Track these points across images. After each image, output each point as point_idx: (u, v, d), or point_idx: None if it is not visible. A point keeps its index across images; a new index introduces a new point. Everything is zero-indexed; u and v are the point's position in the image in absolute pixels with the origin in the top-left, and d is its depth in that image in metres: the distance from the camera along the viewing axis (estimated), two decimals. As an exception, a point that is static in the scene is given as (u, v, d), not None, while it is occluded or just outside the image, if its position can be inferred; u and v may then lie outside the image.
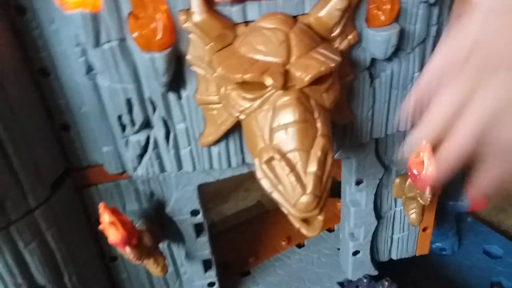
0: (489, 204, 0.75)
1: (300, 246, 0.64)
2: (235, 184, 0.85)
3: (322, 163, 0.32)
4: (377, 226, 0.54)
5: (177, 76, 0.37)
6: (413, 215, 0.49)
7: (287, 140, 0.32)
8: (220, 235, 0.66)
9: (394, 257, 0.58)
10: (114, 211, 0.41)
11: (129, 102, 0.38)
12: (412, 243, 0.57)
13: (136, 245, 0.43)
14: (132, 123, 0.39)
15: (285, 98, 0.32)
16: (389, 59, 0.40)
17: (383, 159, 0.49)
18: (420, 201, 0.46)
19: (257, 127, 0.33)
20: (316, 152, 0.32)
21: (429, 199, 0.45)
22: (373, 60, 0.40)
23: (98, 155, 0.43)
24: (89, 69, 0.37)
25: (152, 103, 0.39)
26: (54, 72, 0.38)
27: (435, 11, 0.40)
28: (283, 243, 0.63)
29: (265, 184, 0.33)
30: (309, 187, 0.31)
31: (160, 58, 0.34)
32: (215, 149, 0.41)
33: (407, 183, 0.48)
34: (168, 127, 0.40)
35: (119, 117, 0.39)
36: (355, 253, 0.55)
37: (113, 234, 0.40)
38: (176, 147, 0.41)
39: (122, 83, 0.37)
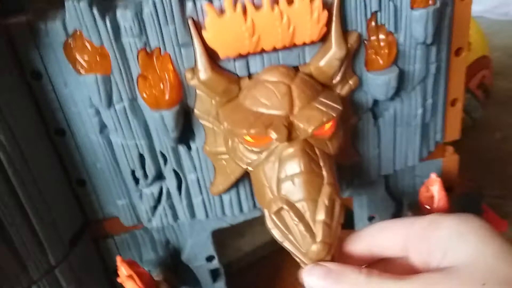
0: (510, 226, 0.74)
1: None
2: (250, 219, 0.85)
3: (330, 211, 0.33)
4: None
5: (186, 129, 0.38)
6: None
7: (295, 190, 0.33)
8: (237, 274, 0.66)
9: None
10: (131, 264, 0.42)
11: (141, 157, 0.40)
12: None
13: (154, 297, 0.43)
14: (145, 176, 0.41)
15: (290, 150, 0.33)
16: (391, 98, 0.41)
17: (394, 194, 0.50)
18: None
19: (265, 178, 0.34)
20: (324, 200, 0.33)
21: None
22: (375, 101, 0.41)
23: (113, 207, 0.44)
24: (103, 127, 0.39)
25: (164, 156, 0.40)
26: (70, 131, 0.40)
27: (433, 49, 0.41)
28: (301, 281, 0.63)
29: (275, 234, 0.34)
30: (319, 236, 0.32)
31: (169, 115, 0.36)
32: (226, 197, 0.42)
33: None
34: (179, 178, 0.41)
35: (133, 172, 0.40)
36: None
37: (132, 287, 0.41)
38: (189, 197, 0.42)
39: (134, 140, 0.39)
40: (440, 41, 0.41)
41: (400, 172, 0.49)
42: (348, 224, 0.78)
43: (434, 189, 0.44)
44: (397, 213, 0.51)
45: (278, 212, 0.33)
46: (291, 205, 0.33)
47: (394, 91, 0.39)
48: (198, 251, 0.47)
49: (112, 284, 0.48)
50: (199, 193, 0.42)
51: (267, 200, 0.34)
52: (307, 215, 0.32)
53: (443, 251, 0.30)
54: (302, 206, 0.33)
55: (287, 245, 0.33)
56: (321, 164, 0.34)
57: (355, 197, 0.50)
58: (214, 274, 0.50)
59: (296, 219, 0.32)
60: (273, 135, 0.32)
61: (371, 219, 0.50)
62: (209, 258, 0.48)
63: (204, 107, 0.37)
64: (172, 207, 0.43)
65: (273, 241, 0.75)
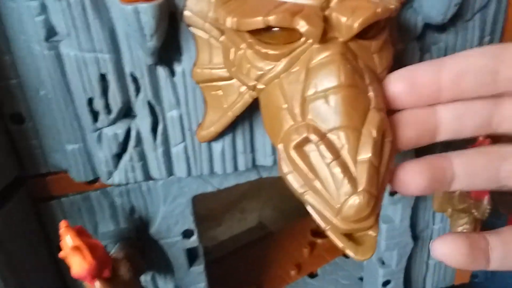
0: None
1: (312, 275, 0.53)
2: (228, 205, 0.74)
3: (378, 148, 0.22)
4: (412, 250, 0.44)
5: (169, 42, 0.27)
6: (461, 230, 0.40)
7: (328, 113, 0.22)
8: (214, 263, 0.55)
9: (429, 287, 0.48)
10: (80, 232, 0.30)
11: (103, 79, 0.28)
12: (451, 269, 0.47)
13: (109, 278, 0.32)
14: (107, 109, 0.29)
15: (325, 54, 0.22)
16: (444, 29, 0.31)
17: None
18: (475, 214, 0.37)
19: (283, 97, 0.23)
20: (371, 131, 0.22)
21: (487, 211, 0.36)
22: (425, 28, 0.31)
23: (61, 156, 0.32)
24: (50, 32, 0.27)
25: (135, 81, 0.29)
26: (4, 37, 0.28)
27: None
28: (292, 272, 0.53)
29: (293, 181, 0.23)
30: (362, 183, 0.21)
31: (147, 11, 0.24)
32: (217, 146, 0.31)
33: (457, 193, 0.38)
34: (155, 116, 0.30)
35: (90, 101, 0.29)
36: (386, 283, 0.45)
37: (78, 263, 0.29)
38: (166, 144, 0.31)
39: (94, 52, 0.27)
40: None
41: (429, 146, 0.39)
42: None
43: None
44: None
45: (300, 146, 0.22)
46: (322, 135, 0.22)
47: (454, 12, 0.29)
48: (172, 222, 0.36)
49: (55, 263, 0.36)
50: (181, 138, 0.31)
51: (285, 129, 0.23)
52: (345, 152, 0.22)
53: None
54: (338, 137, 0.22)
55: (309, 198, 0.22)
56: (367, 81, 0.23)
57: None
58: (191, 256, 0.38)
59: (328, 155, 0.21)
60: (303, 25, 0.21)
61: (393, 194, 0.40)
62: (187, 233, 0.37)
63: (198, 6, 0.26)
64: (142, 156, 0.31)
65: (258, 227, 0.66)
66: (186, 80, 0.29)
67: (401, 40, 0.30)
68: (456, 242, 0.22)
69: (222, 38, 0.26)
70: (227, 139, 0.31)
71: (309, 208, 0.23)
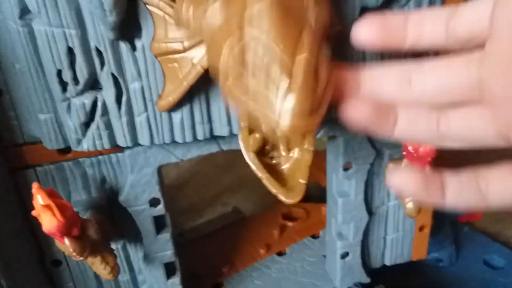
0: (485, 214, 0.70)
1: (281, 254, 0.56)
2: (210, 199, 0.77)
3: (315, 51, 0.23)
4: (368, 225, 0.47)
5: (129, 19, 0.31)
6: (409, 204, 0.42)
7: (265, 23, 0.23)
8: (190, 244, 0.58)
9: (387, 262, 0.51)
10: (50, 194, 0.33)
11: (71, 52, 0.31)
12: (408, 245, 0.50)
13: (78, 237, 0.35)
14: (75, 81, 0.32)
15: None
16: (382, 7, 0.35)
17: (373, 140, 0.43)
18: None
19: (223, 21, 0.25)
20: (307, 35, 0.23)
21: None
22: (363, 12, 0.34)
23: (35, 126, 0.35)
24: (24, 10, 0.30)
25: (100, 54, 0.32)
26: (-19, 19, 0.31)
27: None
28: (262, 251, 0.56)
29: (235, 91, 0.23)
30: (299, 76, 0.21)
31: (106, -12, 0.28)
32: (176, 116, 0.34)
33: (402, 165, 0.41)
34: (119, 87, 0.33)
35: (59, 73, 0.32)
36: (344, 255, 0.48)
37: (48, 220, 0.32)
38: (130, 113, 0.34)
39: (62, 27, 0.30)
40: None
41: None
42: (320, 199, 0.71)
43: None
44: (376, 165, 0.44)
45: (239, 54, 0.23)
46: (260, 41, 0.23)
47: (386, -5, 0.33)
48: (139, 191, 0.39)
49: (31, 231, 0.39)
50: (144, 108, 0.34)
51: (226, 44, 0.24)
52: (282, 54, 0.22)
53: None
54: (275, 42, 0.22)
55: (253, 104, 0.22)
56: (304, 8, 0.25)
57: (329, 142, 0.43)
58: (159, 223, 0.41)
59: (267, 54, 0.22)
60: None
61: (346, 169, 0.43)
62: (153, 202, 0.40)
63: (153, -15, 0.29)
64: (108, 125, 0.34)
65: (233, 212, 0.68)
66: (146, 54, 0.32)
67: (340, 22, 0.34)
68: (411, 173, 0.22)
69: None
70: (185, 109, 0.34)
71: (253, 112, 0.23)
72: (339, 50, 0.35)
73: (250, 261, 0.55)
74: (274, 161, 0.29)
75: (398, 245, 0.50)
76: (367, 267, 0.50)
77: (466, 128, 0.22)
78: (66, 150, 0.37)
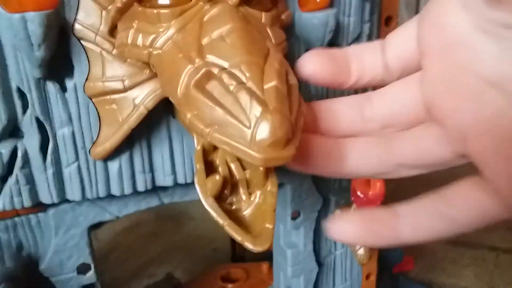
0: (416, 263, 0.72)
1: (223, 319, 0.51)
2: (135, 270, 0.70)
3: (284, 79, 0.21)
4: (317, 277, 0.45)
5: (59, 56, 0.27)
6: (360, 250, 0.41)
7: (227, 49, 0.21)
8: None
9: None
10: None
11: (-14, 93, 0.27)
12: (357, 296, 0.49)
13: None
14: (-9, 127, 0.28)
15: (217, 7, 0.23)
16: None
17: (320, 189, 0.42)
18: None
19: (179, 50, 0.23)
20: (273, 64, 0.21)
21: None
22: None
23: None
24: None
25: (23, 95, 0.28)
26: None
27: (367, 7, 0.36)
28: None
29: (197, 122, 0.20)
30: (272, 103, 0.19)
31: (34, 19, 0.24)
32: (113, 165, 0.31)
33: (351, 210, 0.40)
34: (45, 134, 0.29)
35: (-29, 118, 0.27)
36: (295, 312, 0.44)
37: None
38: (57, 164, 0.30)
39: (-23, 65, 0.26)
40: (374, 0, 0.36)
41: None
42: (258, 258, 0.68)
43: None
44: (324, 211, 0.43)
45: (201, 84, 0.21)
46: (223, 69, 0.21)
47: (330, 37, 0.33)
48: (65, 256, 0.33)
49: None
50: (74, 157, 0.30)
51: (184, 73, 0.22)
52: (250, 82, 0.20)
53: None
54: (241, 70, 0.20)
55: (218, 135, 0.20)
56: (263, 35, 0.24)
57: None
58: (88, 293, 0.35)
59: (233, 82, 0.20)
60: None
61: (294, 218, 0.41)
62: (82, 268, 0.34)
63: (90, 20, 0.27)
64: (30, 179, 0.29)
65: (167, 280, 0.62)
66: (78, 95, 0.28)
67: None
68: (353, 218, 0.20)
69: (115, 51, 0.27)
70: (124, 157, 0.30)
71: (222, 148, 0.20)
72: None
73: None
74: (234, 207, 0.26)
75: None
76: (318, 323, 0.47)
77: (421, 152, 0.21)
78: (-26, 212, 0.31)
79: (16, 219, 0.32)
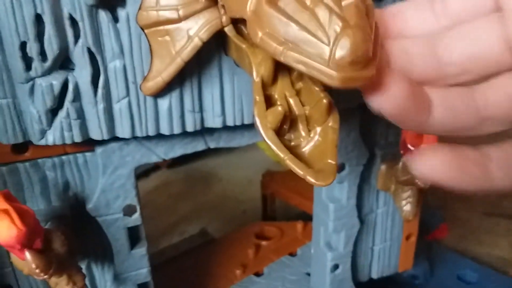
0: (449, 232, 0.70)
1: (258, 274, 0.51)
2: (165, 228, 0.71)
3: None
4: (357, 234, 0.44)
5: (113, -17, 0.26)
6: (407, 206, 0.40)
7: None
8: (155, 269, 0.51)
9: (374, 275, 0.48)
10: (7, 197, 0.27)
11: (38, 20, 0.26)
12: (395, 256, 0.48)
13: (41, 250, 0.28)
14: (43, 56, 0.27)
15: None
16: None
17: (367, 142, 0.40)
18: (419, 183, 0.37)
19: None
20: None
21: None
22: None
23: (-15, 116, 0.29)
24: (-22, -32, 0.25)
25: (74, 23, 0.27)
26: None
27: None
28: (238, 272, 0.50)
29: (269, 41, 0.19)
30: (353, 18, 0.18)
31: None
32: (164, 102, 0.30)
33: (400, 164, 0.39)
34: (96, 66, 0.28)
35: (23, 46, 0.26)
36: (334, 267, 0.44)
37: (6, 228, 0.26)
38: (108, 98, 0.29)
39: (30, -11, 0.25)
40: None
41: (373, 117, 0.40)
42: (289, 219, 0.67)
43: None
44: (369, 165, 0.41)
45: (273, 2, 0.19)
46: None
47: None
48: (112, 196, 0.33)
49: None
50: (125, 92, 0.29)
51: None
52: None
53: None
54: None
55: (294, 52, 0.18)
56: None
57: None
58: (133, 236, 0.35)
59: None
60: None
61: (339, 171, 0.40)
62: (128, 210, 0.34)
63: None
64: (81, 113, 0.29)
65: (200, 234, 0.63)
66: (130, 26, 0.27)
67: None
68: (444, 151, 0.18)
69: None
70: (175, 95, 0.30)
71: (297, 67, 0.19)
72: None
73: (226, 283, 0.49)
74: (292, 143, 0.25)
75: (385, 256, 0.47)
76: (356, 281, 0.47)
77: (510, 103, 0.19)
78: (22, 148, 0.31)
79: (64, 157, 0.32)
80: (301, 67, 0.18)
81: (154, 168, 0.83)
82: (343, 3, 0.18)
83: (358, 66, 0.17)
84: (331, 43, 0.17)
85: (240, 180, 0.82)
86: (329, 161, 0.23)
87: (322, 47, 0.18)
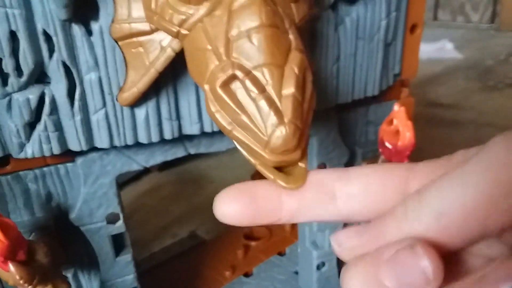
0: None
1: (248, 275, 0.51)
2: (158, 230, 0.71)
3: (301, 84, 0.23)
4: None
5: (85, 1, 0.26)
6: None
7: (252, 51, 0.23)
8: (145, 274, 0.52)
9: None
10: (-12, 210, 0.27)
11: (13, 37, 0.26)
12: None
13: (24, 262, 0.29)
14: (18, 71, 0.27)
15: None
16: (353, 1, 0.34)
17: (346, 141, 0.41)
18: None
19: (207, 40, 0.24)
20: (293, 68, 0.23)
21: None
22: (337, 1, 0.33)
23: (-36, 131, 0.29)
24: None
25: (48, 39, 0.27)
26: None
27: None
28: (227, 273, 0.51)
29: (221, 119, 0.22)
30: (288, 114, 0.21)
31: (59, -44, 0.24)
32: (141, 112, 0.30)
33: (379, 161, 0.39)
34: (72, 79, 0.28)
35: (-2, 62, 0.27)
36: (320, 266, 0.44)
37: (-13, 241, 0.26)
38: (85, 110, 0.29)
39: (4, 7, 0.26)
40: None
41: (352, 116, 0.41)
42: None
43: (398, 121, 0.37)
44: (350, 164, 0.42)
45: (226, 84, 0.22)
46: (247, 72, 0.22)
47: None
48: (95, 205, 0.34)
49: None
50: (102, 103, 0.29)
51: (211, 69, 0.23)
52: (270, 87, 0.22)
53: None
54: (263, 73, 0.22)
55: (237, 134, 0.22)
56: (287, 26, 0.24)
57: (301, 143, 0.40)
58: (118, 243, 0.36)
59: (254, 90, 0.22)
60: None
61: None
62: (111, 218, 0.35)
63: (114, -44, 0.26)
64: (58, 125, 0.29)
65: (190, 237, 0.63)
66: (104, 38, 0.28)
67: (316, 5, 0.32)
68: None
69: (141, -7, 0.26)
70: (151, 104, 0.30)
71: (238, 146, 0.23)
72: (314, 43, 0.33)
73: (216, 285, 0.50)
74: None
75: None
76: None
77: None
78: (3, 161, 0.31)
79: (45, 169, 0.33)
80: (242, 146, 0.22)
81: (145, 171, 0.84)
82: (283, 92, 0.22)
83: (288, 152, 0.21)
84: (268, 135, 0.21)
85: (232, 181, 0.82)
86: (299, 164, 0.24)
87: (261, 137, 0.21)
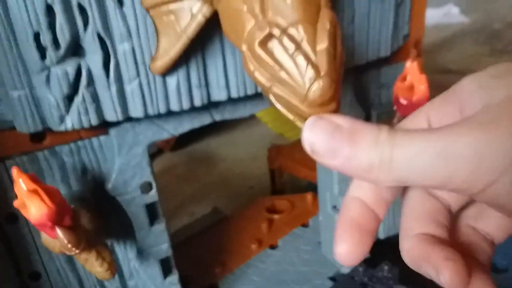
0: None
1: (273, 247, 0.53)
2: (174, 209, 0.73)
3: (333, 40, 0.24)
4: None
5: (116, -30, 0.28)
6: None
7: (286, 10, 0.24)
8: (173, 249, 0.54)
9: (381, 235, 0.50)
10: (33, 178, 0.29)
11: (49, 11, 0.28)
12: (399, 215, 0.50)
13: (71, 227, 0.30)
14: (56, 44, 0.28)
15: None
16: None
17: (361, 103, 0.43)
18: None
19: (242, 0, 0.25)
20: (325, 24, 0.24)
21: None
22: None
23: (6, 106, 0.30)
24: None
25: (83, 11, 0.28)
26: None
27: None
28: (253, 246, 0.52)
29: (260, 77, 0.24)
30: (324, 68, 0.22)
31: None
32: (172, 80, 0.31)
33: (395, 120, 0.41)
34: (106, 50, 0.30)
35: (36, 36, 0.28)
36: (343, 230, 0.46)
37: (37, 206, 0.27)
38: (120, 81, 0.31)
39: (39, -19, 0.27)
40: None
41: (365, 79, 0.42)
42: (297, 191, 0.69)
43: (412, 76, 0.38)
44: (367, 128, 0.43)
45: (264, 43, 0.23)
46: (283, 30, 0.23)
47: None
48: (129, 175, 0.35)
49: (4, 238, 0.34)
50: (135, 73, 0.30)
51: (248, 29, 0.24)
52: (305, 43, 0.23)
53: (474, 103, 0.21)
54: (297, 30, 0.23)
55: (277, 90, 0.23)
56: None
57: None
58: (152, 212, 0.37)
59: (291, 46, 0.23)
60: None
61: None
62: (145, 187, 0.36)
63: None
64: (95, 97, 0.31)
65: (213, 213, 0.64)
66: (135, 9, 0.29)
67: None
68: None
69: None
70: (181, 72, 0.31)
71: (276, 103, 0.24)
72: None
73: (243, 258, 0.51)
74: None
75: (389, 216, 0.49)
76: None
77: None
78: (40, 137, 0.32)
79: (79, 143, 0.34)
80: (280, 101, 0.23)
81: (157, 152, 0.85)
82: (317, 47, 0.23)
83: (325, 104, 0.22)
84: (306, 89, 0.22)
85: (243, 157, 0.84)
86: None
87: (299, 91, 0.22)
